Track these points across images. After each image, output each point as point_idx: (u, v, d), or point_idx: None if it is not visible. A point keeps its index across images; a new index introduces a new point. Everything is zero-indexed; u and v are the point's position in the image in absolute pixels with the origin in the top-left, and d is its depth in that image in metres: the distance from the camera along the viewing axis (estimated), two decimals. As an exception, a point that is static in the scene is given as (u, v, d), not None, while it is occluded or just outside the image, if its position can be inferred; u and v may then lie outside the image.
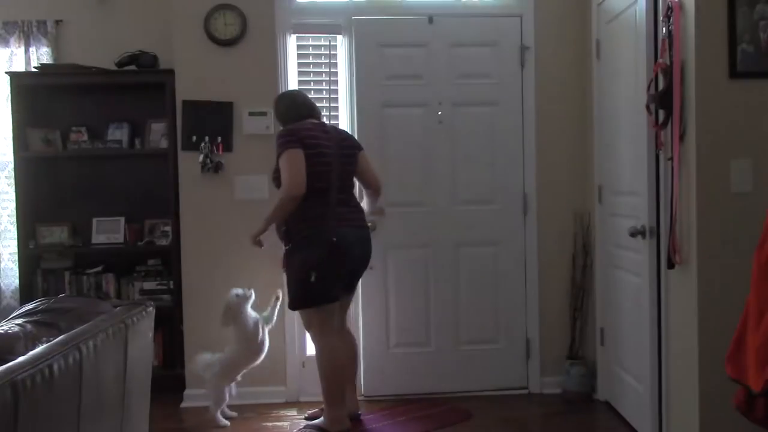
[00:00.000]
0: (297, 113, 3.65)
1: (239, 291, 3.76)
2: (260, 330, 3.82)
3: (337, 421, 3.59)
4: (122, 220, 4.52)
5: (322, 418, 3.66)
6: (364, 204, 3.82)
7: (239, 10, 4.14)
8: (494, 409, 4.02)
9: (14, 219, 4.50)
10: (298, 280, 3.48)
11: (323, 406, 3.67)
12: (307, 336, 3.94)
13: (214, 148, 4.14)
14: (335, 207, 3.50)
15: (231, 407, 3.95)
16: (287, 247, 3.59)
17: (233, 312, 3.73)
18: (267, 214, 3.56)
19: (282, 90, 4.13)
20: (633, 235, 3.41)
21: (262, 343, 3.84)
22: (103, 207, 4.55)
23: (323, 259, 3.44)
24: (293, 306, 3.61)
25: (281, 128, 3.64)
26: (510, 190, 4.28)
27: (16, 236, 4.47)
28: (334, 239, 3.45)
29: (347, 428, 3.62)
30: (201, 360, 3.87)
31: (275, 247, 3.71)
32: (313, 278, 3.41)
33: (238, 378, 3.89)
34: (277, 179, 3.56)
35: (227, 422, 3.82)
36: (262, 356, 3.86)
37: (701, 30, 2.87)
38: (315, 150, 3.49)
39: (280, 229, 3.62)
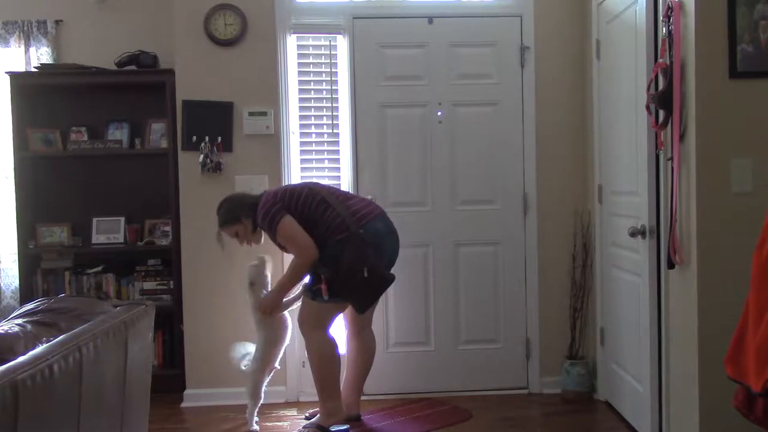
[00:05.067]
0: (246, 199, 3.72)
1: (254, 262, 3.75)
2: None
3: (332, 414, 3.61)
4: (122, 220, 4.52)
5: (319, 415, 3.67)
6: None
7: (239, 10, 4.14)
8: (494, 409, 4.02)
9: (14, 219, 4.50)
10: (357, 283, 3.47)
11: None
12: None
13: (214, 148, 4.14)
14: (347, 209, 3.55)
15: (231, 407, 3.95)
16: (324, 270, 3.51)
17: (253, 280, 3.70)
18: (282, 282, 3.61)
19: (282, 90, 4.17)
20: (633, 235, 3.41)
21: (283, 319, 3.76)
22: (103, 207, 4.54)
23: (364, 252, 3.47)
24: (364, 308, 3.61)
25: (263, 208, 3.59)
26: (510, 190, 4.29)
27: (16, 236, 4.47)
28: (362, 232, 3.50)
29: (343, 418, 3.64)
30: (238, 350, 3.80)
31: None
32: (366, 273, 3.45)
33: (277, 366, 3.81)
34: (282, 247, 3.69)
35: (257, 427, 3.74)
36: (288, 332, 3.78)
37: (701, 30, 2.86)
38: (291, 187, 3.70)
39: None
